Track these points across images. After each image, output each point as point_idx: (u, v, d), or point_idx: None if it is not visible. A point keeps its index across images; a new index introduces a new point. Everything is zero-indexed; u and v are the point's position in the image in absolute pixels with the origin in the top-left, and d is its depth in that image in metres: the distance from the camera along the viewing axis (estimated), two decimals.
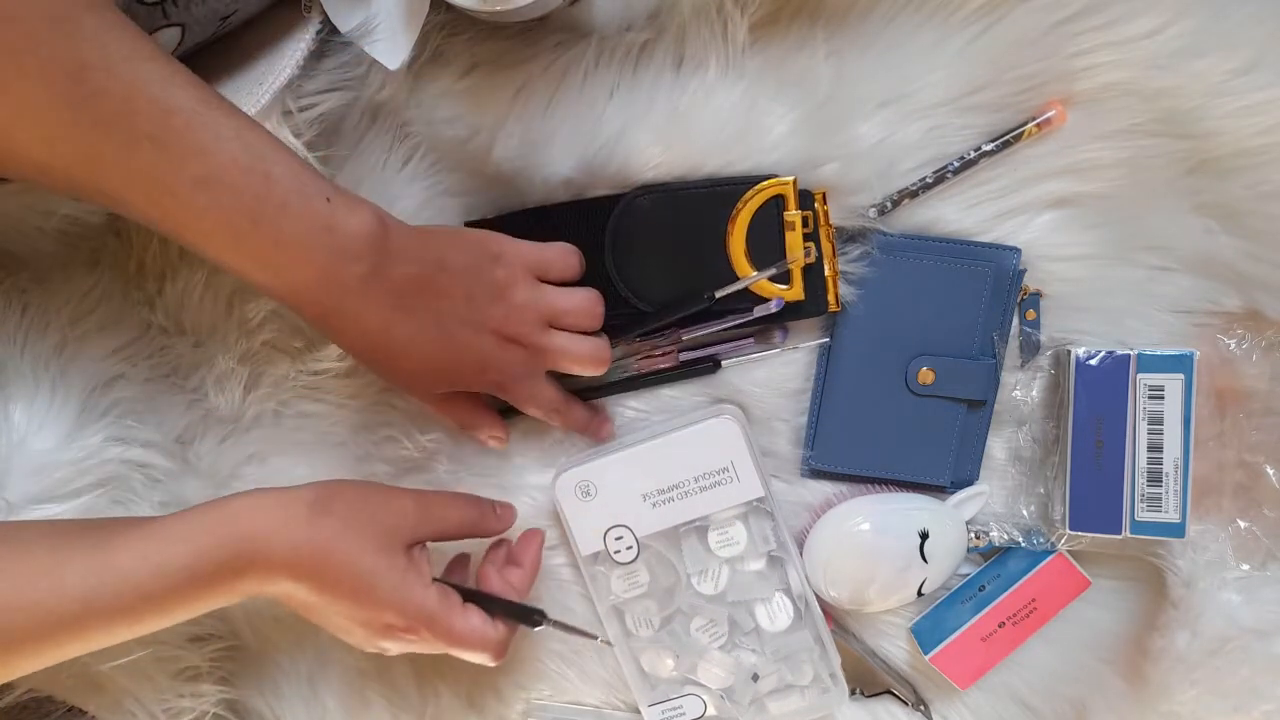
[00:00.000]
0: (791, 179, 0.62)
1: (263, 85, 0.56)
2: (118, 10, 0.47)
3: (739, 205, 0.62)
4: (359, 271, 0.53)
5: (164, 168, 0.48)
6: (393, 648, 0.58)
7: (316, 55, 0.59)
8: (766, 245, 0.63)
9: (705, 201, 0.63)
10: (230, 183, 0.49)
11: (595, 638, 0.64)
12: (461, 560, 0.65)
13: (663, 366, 0.66)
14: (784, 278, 0.63)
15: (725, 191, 0.62)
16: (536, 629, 0.61)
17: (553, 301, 0.61)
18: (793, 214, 0.62)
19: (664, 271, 0.64)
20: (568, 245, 0.63)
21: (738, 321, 0.64)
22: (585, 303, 0.62)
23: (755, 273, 0.63)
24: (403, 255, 0.55)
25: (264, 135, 0.51)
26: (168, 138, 0.47)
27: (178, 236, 0.50)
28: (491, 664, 0.59)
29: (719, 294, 0.63)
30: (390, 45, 0.58)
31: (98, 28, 0.46)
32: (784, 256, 0.63)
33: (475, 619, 0.58)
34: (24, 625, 0.49)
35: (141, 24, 0.48)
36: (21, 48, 0.44)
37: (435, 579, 0.58)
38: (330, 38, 0.59)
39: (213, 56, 0.58)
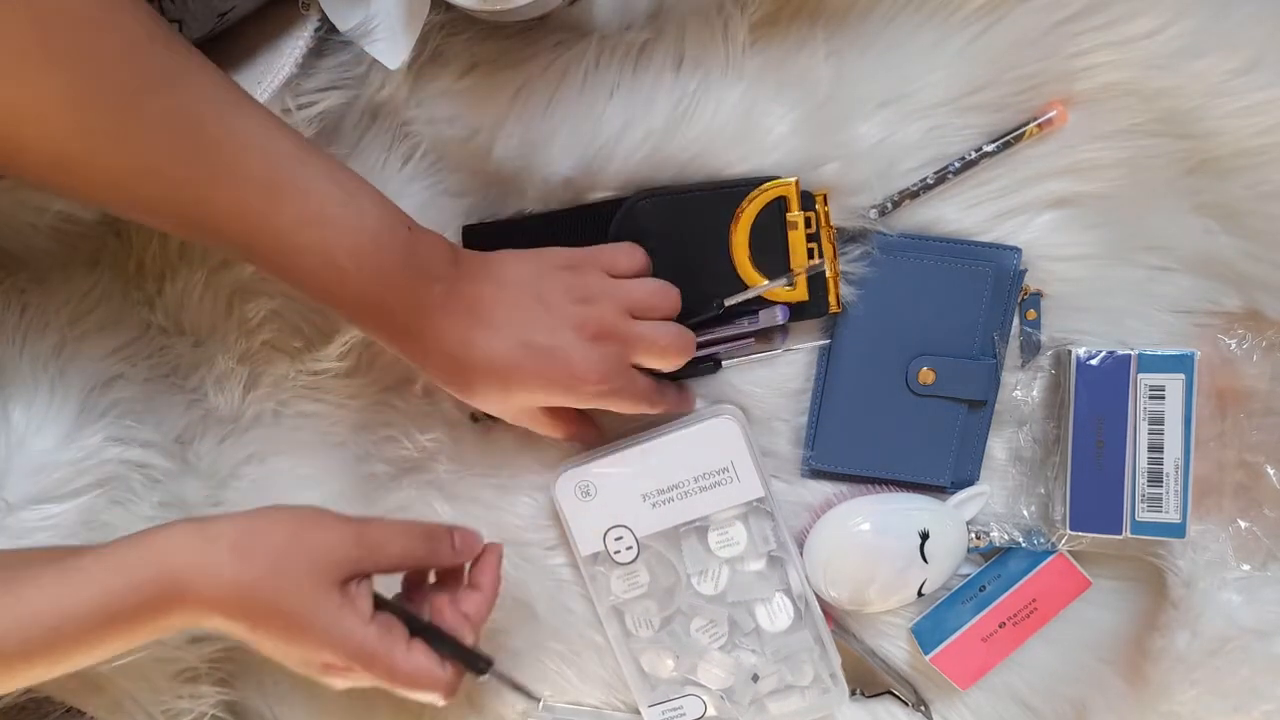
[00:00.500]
0: (794, 180, 0.62)
1: (261, 84, 0.56)
2: (212, 63, 0.50)
3: (742, 207, 0.62)
4: (439, 291, 0.55)
5: (270, 209, 0.50)
6: (337, 683, 0.55)
7: (315, 53, 0.59)
8: (770, 247, 0.63)
9: (707, 204, 0.63)
10: (330, 220, 0.51)
11: (539, 700, 0.62)
12: (419, 578, 0.61)
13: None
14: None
15: (727, 193, 0.62)
16: (481, 678, 0.58)
17: (630, 290, 0.60)
18: (795, 215, 0.62)
19: (667, 275, 0.63)
20: (630, 243, 0.62)
21: (742, 330, 0.64)
22: (661, 287, 0.61)
23: (766, 281, 0.63)
24: (471, 274, 0.56)
25: (351, 173, 0.53)
26: (275, 180, 0.50)
27: (274, 269, 0.52)
28: (440, 704, 0.56)
29: (728, 303, 0.63)
30: (391, 45, 0.58)
31: (207, 81, 0.49)
32: (787, 257, 0.63)
33: (419, 657, 0.55)
34: None
35: None
36: (141, 102, 0.46)
37: (385, 602, 0.55)
38: (329, 36, 0.59)
39: (211, 54, 0.58)
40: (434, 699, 0.56)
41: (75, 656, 0.51)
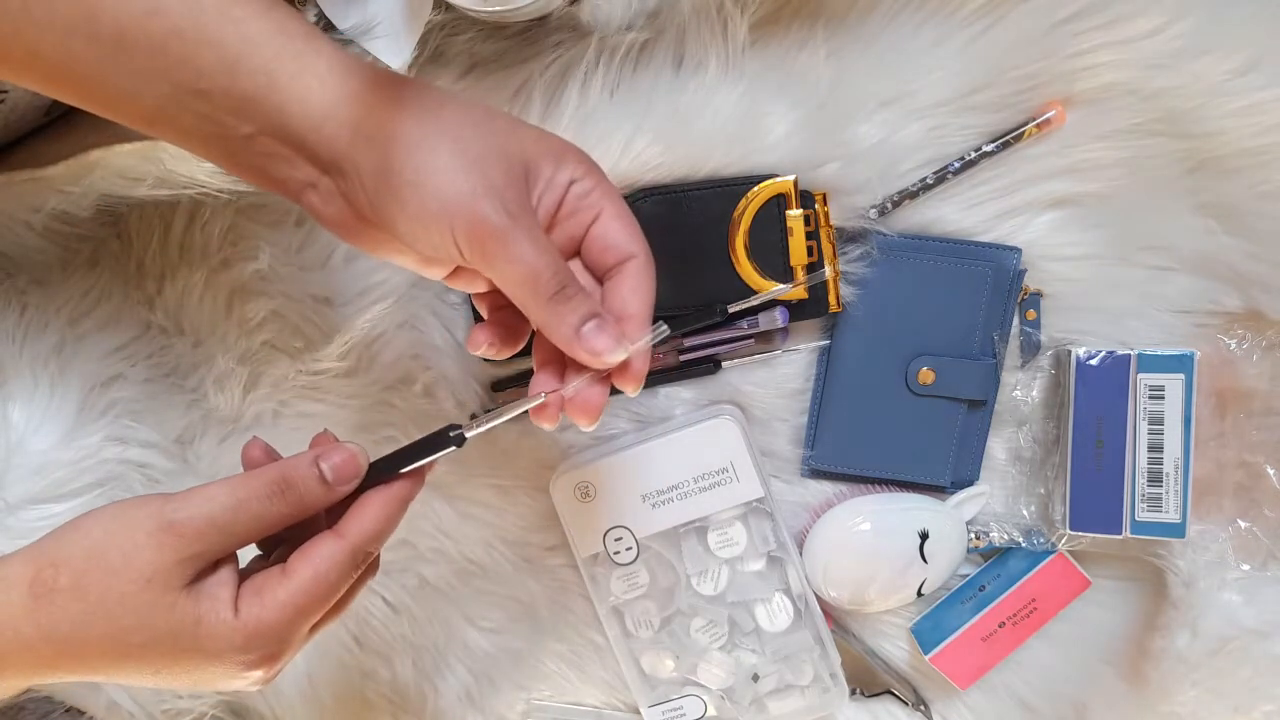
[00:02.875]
0: (792, 179, 0.62)
1: None
2: None
3: (740, 206, 0.62)
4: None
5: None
6: (259, 680, 0.44)
7: None
8: (769, 245, 0.63)
9: (706, 203, 0.63)
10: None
11: (541, 398, 0.47)
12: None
13: (662, 367, 0.66)
14: (788, 276, 0.63)
15: (726, 192, 0.62)
16: (463, 444, 0.46)
17: None
18: (795, 214, 0.62)
19: (667, 274, 0.63)
20: None
21: (742, 333, 0.65)
22: None
23: (767, 282, 0.63)
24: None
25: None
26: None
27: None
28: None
29: (731, 309, 0.63)
30: (392, 44, 0.58)
31: None
32: (786, 256, 0.63)
33: (302, 574, 0.43)
34: None
35: None
36: None
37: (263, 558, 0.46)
38: (327, 33, 0.59)
39: None
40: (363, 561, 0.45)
41: None
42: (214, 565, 0.43)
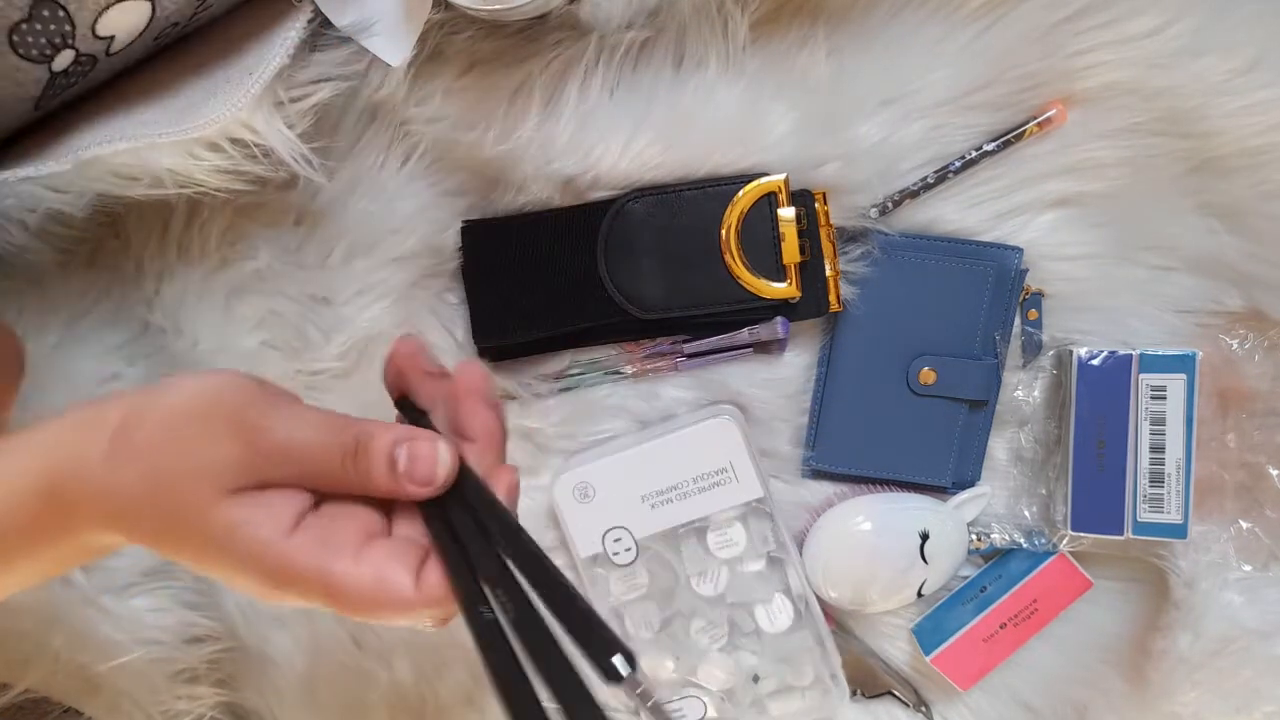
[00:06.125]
0: (782, 177, 0.61)
1: (253, 75, 0.55)
2: None
3: (731, 205, 0.62)
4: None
5: None
6: (294, 603, 0.40)
7: (309, 47, 0.58)
8: (761, 244, 0.62)
9: (697, 203, 0.63)
10: None
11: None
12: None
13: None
14: (780, 275, 0.63)
15: (716, 192, 0.62)
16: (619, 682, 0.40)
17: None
18: (786, 212, 0.62)
19: (658, 275, 0.63)
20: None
21: (742, 341, 0.65)
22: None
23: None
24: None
25: None
26: None
27: None
28: (430, 627, 0.41)
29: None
30: (392, 42, 0.58)
31: None
32: (778, 254, 0.62)
33: (369, 569, 0.38)
34: None
35: None
36: None
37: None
38: (325, 30, 0.59)
39: (202, 46, 0.58)
40: (410, 621, 0.40)
41: None
42: (276, 487, 0.40)
